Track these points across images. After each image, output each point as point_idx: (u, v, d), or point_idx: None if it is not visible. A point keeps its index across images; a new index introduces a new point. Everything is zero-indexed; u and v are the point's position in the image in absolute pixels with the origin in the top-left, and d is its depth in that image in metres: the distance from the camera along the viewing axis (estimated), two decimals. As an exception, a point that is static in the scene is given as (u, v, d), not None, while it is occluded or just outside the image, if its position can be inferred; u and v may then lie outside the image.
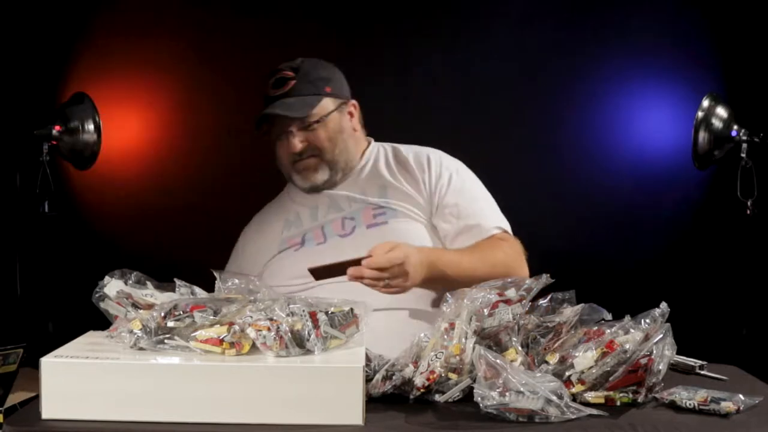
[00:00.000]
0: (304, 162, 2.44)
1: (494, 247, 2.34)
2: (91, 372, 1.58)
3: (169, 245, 3.45)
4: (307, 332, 1.66)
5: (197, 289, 1.94)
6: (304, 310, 1.69)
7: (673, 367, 1.97)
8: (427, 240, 2.37)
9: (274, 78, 2.46)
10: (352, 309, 1.77)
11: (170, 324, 1.70)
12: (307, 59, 2.49)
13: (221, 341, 1.65)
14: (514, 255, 2.34)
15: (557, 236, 3.36)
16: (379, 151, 2.55)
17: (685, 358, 1.99)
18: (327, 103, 2.45)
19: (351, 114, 2.51)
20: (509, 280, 1.84)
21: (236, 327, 1.66)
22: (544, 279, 1.82)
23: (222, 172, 3.48)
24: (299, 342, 1.66)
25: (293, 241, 2.44)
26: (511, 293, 1.79)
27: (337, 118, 2.46)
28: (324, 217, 2.44)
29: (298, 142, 2.41)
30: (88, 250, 3.44)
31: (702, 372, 1.97)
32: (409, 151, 2.54)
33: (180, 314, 1.72)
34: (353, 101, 2.52)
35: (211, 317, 1.72)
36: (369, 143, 2.56)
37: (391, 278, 2.09)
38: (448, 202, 2.42)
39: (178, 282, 1.92)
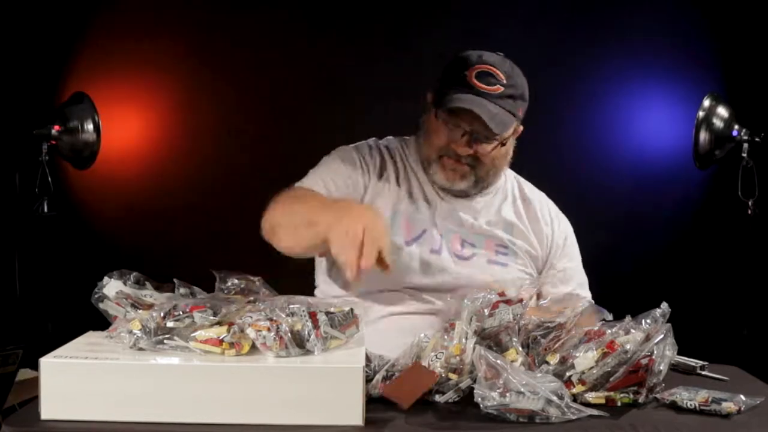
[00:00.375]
0: (457, 165, 2.17)
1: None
2: (90, 372, 1.58)
3: (168, 245, 3.45)
4: (307, 332, 1.66)
5: (197, 290, 1.94)
6: (304, 311, 1.69)
7: (674, 368, 1.96)
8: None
9: (480, 68, 2.16)
10: (352, 309, 1.76)
11: (170, 324, 1.70)
12: (514, 65, 2.22)
13: (221, 341, 1.64)
14: None
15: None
16: (508, 178, 2.34)
17: (685, 358, 1.99)
18: (513, 126, 2.19)
19: (515, 136, 2.25)
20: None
21: (236, 327, 1.66)
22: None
23: (222, 172, 3.48)
24: (299, 342, 1.66)
25: (407, 228, 2.20)
26: (511, 293, 1.78)
27: (510, 142, 2.22)
28: (442, 221, 2.22)
29: (469, 148, 2.15)
30: (87, 250, 3.45)
31: (703, 372, 1.96)
32: (533, 192, 2.36)
33: (180, 314, 1.72)
34: (521, 127, 2.25)
35: (211, 317, 1.72)
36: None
37: None
38: (559, 265, 2.29)
39: (177, 282, 1.92)
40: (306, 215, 1.99)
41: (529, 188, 2.38)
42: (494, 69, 2.15)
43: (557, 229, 2.32)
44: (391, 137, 2.35)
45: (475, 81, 2.14)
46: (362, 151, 2.27)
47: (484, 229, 2.23)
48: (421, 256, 2.17)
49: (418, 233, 2.19)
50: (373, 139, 2.34)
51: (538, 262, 2.28)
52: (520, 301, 1.77)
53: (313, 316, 1.68)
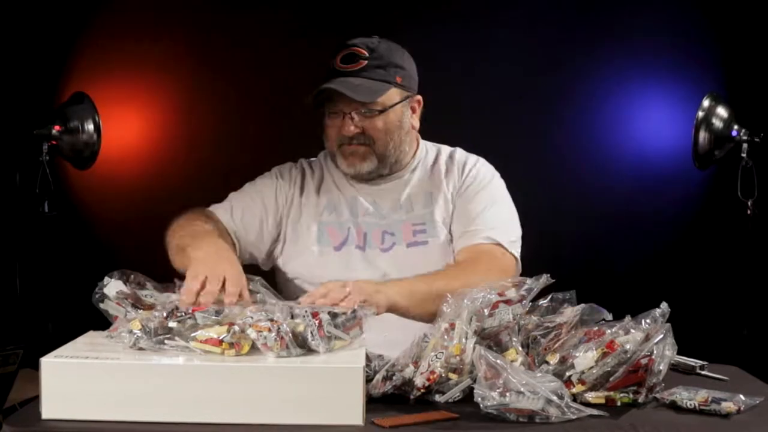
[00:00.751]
0: (353, 147, 2.25)
1: (466, 270, 2.14)
2: (91, 372, 1.58)
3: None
4: (310, 333, 1.66)
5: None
6: (306, 311, 1.69)
7: (674, 368, 1.97)
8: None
9: (345, 51, 2.25)
10: (355, 311, 1.76)
11: (171, 324, 1.70)
12: (384, 41, 2.28)
13: (221, 341, 1.64)
14: (493, 276, 2.01)
15: (557, 236, 3.36)
16: (428, 151, 2.39)
17: (685, 358, 1.99)
18: (393, 94, 2.25)
19: (413, 109, 2.32)
20: (509, 280, 1.83)
21: (236, 327, 1.66)
22: (545, 279, 1.81)
23: (222, 172, 3.47)
24: (301, 343, 1.66)
25: (335, 233, 2.29)
26: (511, 293, 1.78)
27: (400, 111, 2.26)
28: (363, 216, 2.30)
29: (353, 127, 2.22)
30: (87, 250, 3.45)
31: (703, 372, 1.97)
32: (454, 152, 2.39)
33: (182, 315, 1.72)
34: (419, 96, 2.32)
35: (213, 317, 1.72)
36: (419, 142, 2.39)
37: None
38: (466, 208, 2.29)
39: (178, 282, 1.92)
40: (182, 242, 2.13)
41: (452, 151, 2.40)
42: (356, 48, 2.25)
43: (468, 170, 2.33)
44: (321, 152, 2.42)
45: (340, 64, 2.24)
46: (282, 171, 2.39)
47: (401, 213, 2.29)
48: (349, 258, 2.25)
49: (343, 238, 2.28)
50: (302, 159, 2.44)
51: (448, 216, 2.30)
52: (521, 300, 1.78)
53: (315, 316, 1.68)
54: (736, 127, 3.06)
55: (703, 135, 3.09)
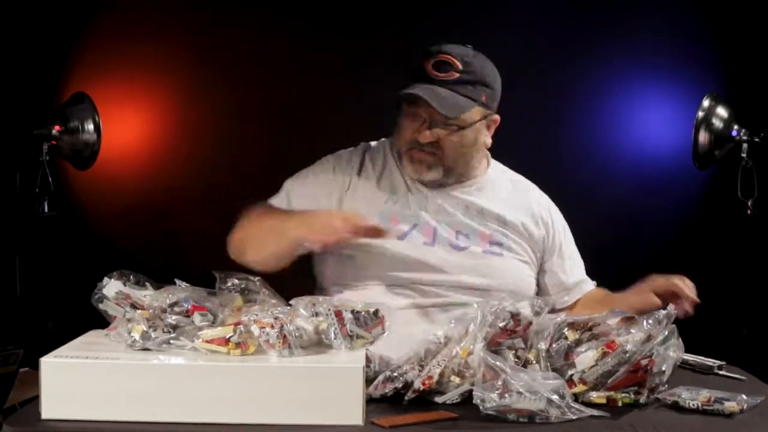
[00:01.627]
0: (422, 155, 2.21)
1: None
2: (91, 372, 1.58)
3: (169, 245, 3.45)
4: (333, 331, 1.65)
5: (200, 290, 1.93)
6: (329, 309, 1.68)
7: (692, 368, 1.97)
8: (534, 287, 2.31)
9: (438, 57, 2.20)
10: (377, 310, 1.75)
11: (171, 320, 1.70)
12: (479, 54, 2.25)
13: (227, 341, 1.64)
14: None
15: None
16: (500, 171, 2.40)
17: (703, 358, 2.00)
18: (476, 112, 2.22)
19: (489, 127, 2.29)
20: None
21: (241, 327, 1.65)
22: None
23: (222, 173, 3.48)
24: (305, 343, 1.65)
25: (398, 223, 2.22)
26: (525, 311, 1.76)
27: (477, 129, 2.24)
28: (435, 214, 2.25)
29: (429, 134, 2.19)
30: (88, 250, 3.44)
31: (721, 372, 1.97)
32: (528, 189, 2.41)
33: (181, 310, 1.72)
34: (497, 116, 2.29)
35: (211, 318, 1.72)
36: (488, 159, 2.37)
37: None
38: (566, 252, 2.38)
39: (178, 283, 1.92)
40: (273, 224, 2.12)
41: (524, 183, 2.42)
42: (451, 57, 2.20)
43: (555, 215, 2.38)
44: (384, 139, 2.37)
45: (432, 70, 2.20)
46: (341, 157, 2.33)
47: (476, 221, 2.26)
48: (414, 250, 2.20)
49: (408, 228, 2.22)
50: (363, 143, 2.38)
51: (536, 252, 2.32)
52: (529, 325, 1.75)
53: (338, 315, 1.68)
54: (736, 127, 3.06)
55: (703, 135, 3.09)
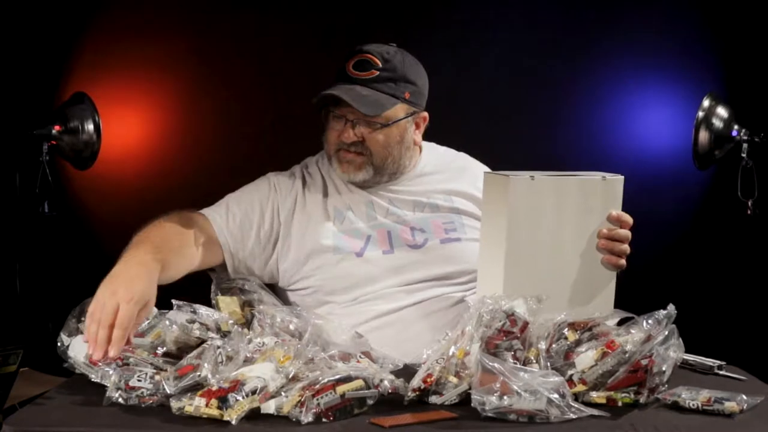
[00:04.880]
0: (350, 155, 2.21)
1: None
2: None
3: (168, 245, 3.45)
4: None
5: (202, 309, 1.90)
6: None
7: (692, 368, 1.97)
8: None
9: (358, 57, 2.21)
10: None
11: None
12: (401, 51, 2.24)
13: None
14: None
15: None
16: (432, 154, 2.38)
17: (703, 358, 2.00)
18: (399, 109, 2.22)
19: (418, 126, 2.30)
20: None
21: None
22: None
23: (222, 173, 3.48)
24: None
25: (353, 242, 2.21)
26: (520, 313, 1.75)
27: (403, 126, 2.24)
28: (383, 217, 2.25)
29: (353, 134, 2.19)
30: (88, 250, 3.44)
31: (721, 372, 1.97)
32: (461, 165, 2.40)
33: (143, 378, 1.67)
34: (425, 113, 2.31)
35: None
36: (421, 149, 2.37)
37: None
38: None
39: (175, 303, 1.90)
40: (131, 246, 2.04)
41: (453, 157, 2.41)
42: (370, 56, 2.20)
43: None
44: (319, 155, 2.37)
45: (352, 70, 2.20)
46: (280, 183, 2.29)
47: (426, 211, 2.26)
48: (379, 260, 2.19)
49: (363, 243, 2.21)
50: (308, 158, 2.38)
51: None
52: (526, 326, 1.74)
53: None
54: (736, 127, 3.06)
55: (703, 135, 3.09)
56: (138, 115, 3.54)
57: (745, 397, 1.66)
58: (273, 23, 3.51)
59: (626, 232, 2.09)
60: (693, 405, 1.65)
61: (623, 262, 2.07)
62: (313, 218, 2.25)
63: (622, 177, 2.11)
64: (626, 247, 2.09)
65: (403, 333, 2.11)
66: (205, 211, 2.25)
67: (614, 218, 2.08)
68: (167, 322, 1.81)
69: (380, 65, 2.19)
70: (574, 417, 1.58)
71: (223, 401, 1.56)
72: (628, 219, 2.10)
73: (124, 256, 1.97)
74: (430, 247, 2.22)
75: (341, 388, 1.59)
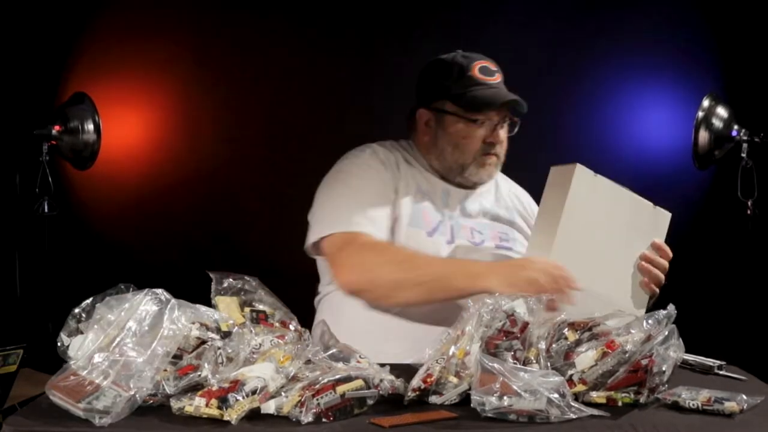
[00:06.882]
0: (492, 157, 2.29)
1: None
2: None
3: (168, 245, 3.45)
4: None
5: (202, 309, 1.89)
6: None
7: (692, 368, 1.97)
8: None
9: (477, 65, 2.28)
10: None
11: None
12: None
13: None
14: None
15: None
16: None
17: (703, 358, 1.99)
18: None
19: None
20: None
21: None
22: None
23: (222, 173, 3.48)
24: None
25: (429, 220, 2.25)
26: (520, 314, 1.75)
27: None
28: (452, 211, 2.29)
29: (503, 134, 2.29)
30: (87, 250, 3.44)
31: (721, 372, 1.97)
32: (511, 188, 2.47)
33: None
34: None
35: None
36: None
37: None
38: None
39: (175, 302, 1.89)
40: (438, 272, 2.08)
41: (504, 179, 2.48)
42: (485, 63, 2.30)
43: (526, 200, 2.45)
44: (387, 141, 2.38)
45: (482, 76, 2.27)
46: (378, 154, 2.30)
47: (487, 218, 2.33)
48: (442, 246, 2.24)
49: (435, 224, 2.26)
50: (389, 141, 2.39)
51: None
52: (526, 326, 1.74)
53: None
54: (736, 127, 3.06)
55: (703, 135, 3.09)
56: (138, 115, 3.54)
57: (745, 397, 1.66)
58: (273, 23, 3.51)
59: (665, 263, 2.17)
60: (693, 405, 1.65)
61: (657, 289, 2.15)
62: (401, 191, 2.27)
63: (670, 214, 2.23)
64: (662, 277, 2.15)
65: (434, 316, 2.11)
66: (365, 230, 2.19)
67: (657, 246, 2.17)
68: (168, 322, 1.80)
69: (497, 69, 2.29)
70: (574, 417, 1.58)
71: (223, 401, 1.56)
72: (669, 252, 2.19)
73: (445, 274, 2.08)
74: (486, 248, 2.27)
75: (341, 388, 1.59)
